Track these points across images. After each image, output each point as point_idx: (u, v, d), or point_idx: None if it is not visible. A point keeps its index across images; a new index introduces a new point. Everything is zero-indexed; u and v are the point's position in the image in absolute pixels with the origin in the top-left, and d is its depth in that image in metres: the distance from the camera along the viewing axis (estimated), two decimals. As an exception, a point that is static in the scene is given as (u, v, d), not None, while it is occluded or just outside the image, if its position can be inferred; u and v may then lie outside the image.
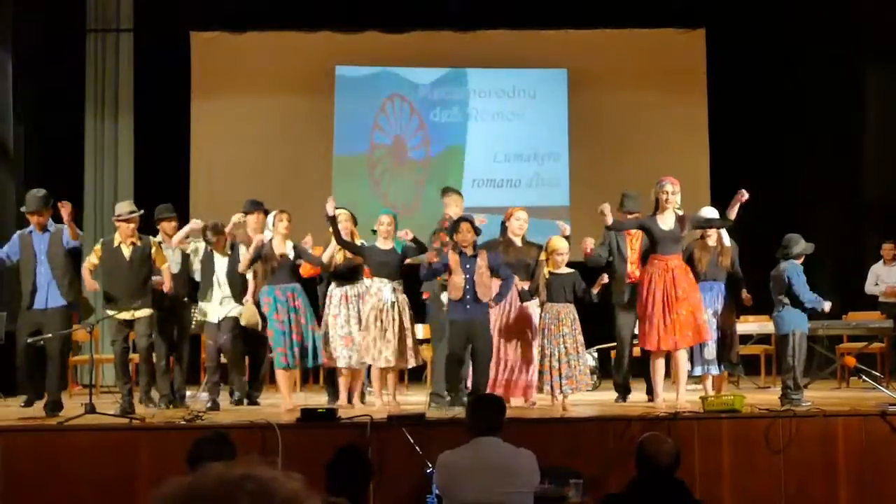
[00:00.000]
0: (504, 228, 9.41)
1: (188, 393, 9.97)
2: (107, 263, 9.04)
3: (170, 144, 13.41)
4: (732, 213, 8.97)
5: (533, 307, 9.03)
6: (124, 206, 9.30)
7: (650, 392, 9.23)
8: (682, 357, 8.79)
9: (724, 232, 9.42)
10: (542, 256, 8.88)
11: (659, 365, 8.83)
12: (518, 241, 9.24)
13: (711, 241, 9.29)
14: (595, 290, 8.89)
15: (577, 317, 8.78)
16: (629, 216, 9.59)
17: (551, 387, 8.57)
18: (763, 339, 11.58)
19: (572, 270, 8.88)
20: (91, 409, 7.96)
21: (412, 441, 7.15)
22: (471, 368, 8.81)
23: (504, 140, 14.06)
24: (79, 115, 13.36)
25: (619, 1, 13.69)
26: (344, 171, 13.80)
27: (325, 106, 13.82)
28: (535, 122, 14.08)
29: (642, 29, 13.88)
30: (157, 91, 13.34)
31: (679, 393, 8.76)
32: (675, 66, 13.89)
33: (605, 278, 9.08)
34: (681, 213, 8.95)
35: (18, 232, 9.26)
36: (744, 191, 8.81)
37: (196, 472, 1.56)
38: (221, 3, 13.56)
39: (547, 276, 8.73)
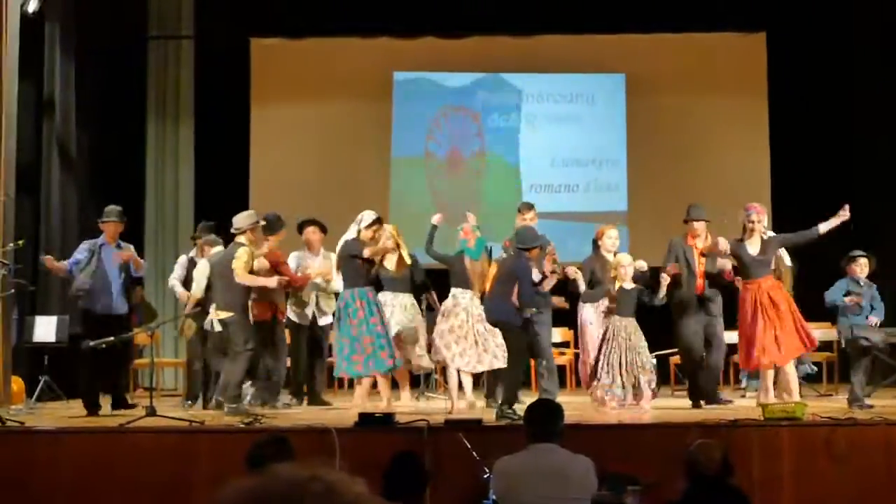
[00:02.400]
0: (596, 245, 9.81)
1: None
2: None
3: (230, 149, 13.56)
4: (825, 229, 9.16)
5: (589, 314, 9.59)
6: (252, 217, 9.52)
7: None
8: (790, 369, 9.09)
9: (784, 253, 9.67)
10: (613, 273, 9.29)
11: (769, 375, 9.10)
12: (610, 258, 9.62)
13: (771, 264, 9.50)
14: (661, 295, 9.30)
15: (638, 328, 9.19)
16: (695, 224, 9.82)
17: (611, 393, 9.04)
18: (824, 346, 11.42)
19: (635, 284, 9.25)
20: (152, 411, 8.06)
21: (469, 446, 7.14)
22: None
23: (561, 145, 14.03)
24: (140, 121, 13.54)
25: (677, 5, 13.58)
26: (401, 175, 13.85)
27: (382, 111, 13.88)
28: (592, 127, 14.03)
29: (701, 33, 13.78)
30: (218, 97, 13.50)
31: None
32: (735, 71, 13.77)
33: (667, 278, 9.35)
34: (766, 236, 9.18)
35: (89, 242, 9.69)
36: (847, 208, 9.06)
37: (261, 473, 1.58)
38: (281, 9, 13.66)
39: (616, 290, 9.16)
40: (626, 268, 9.19)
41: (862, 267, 9.41)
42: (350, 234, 9.63)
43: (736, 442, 7.07)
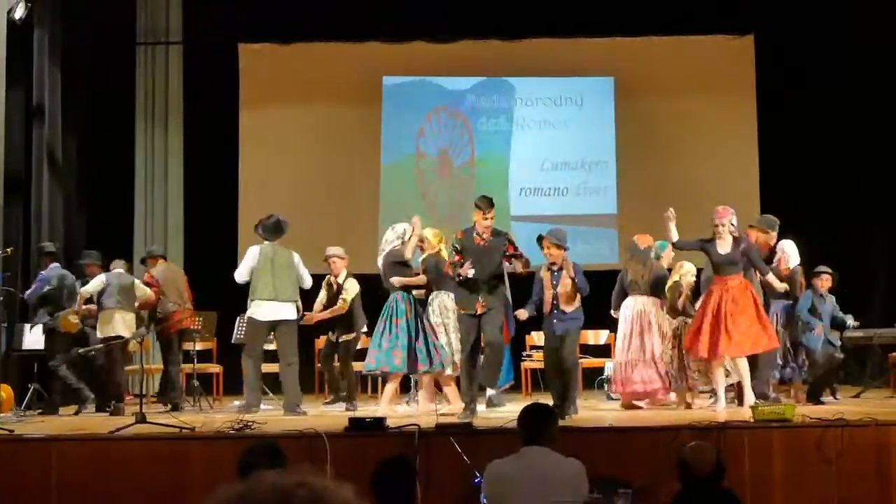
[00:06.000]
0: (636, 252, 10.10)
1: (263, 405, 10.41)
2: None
3: (219, 155, 13.55)
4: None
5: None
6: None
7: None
8: (741, 364, 9.11)
9: (794, 254, 10.05)
10: (677, 277, 9.73)
11: (720, 374, 9.20)
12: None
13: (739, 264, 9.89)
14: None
15: None
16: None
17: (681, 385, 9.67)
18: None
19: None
20: (141, 418, 8.04)
21: (460, 450, 7.13)
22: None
23: (551, 148, 14.05)
24: (129, 127, 13.52)
25: (666, 8, 13.62)
26: (391, 179, 13.85)
27: (372, 116, 13.88)
28: (581, 131, 14.05)
29: (690, 36, 13.82)
30: (207, 102, 13.49)
31: (745, 399, 8.99)
32: (724, 73, 13.82)
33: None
34: (736, 234, 9.27)
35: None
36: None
37: (248, 479, 1.57)
38: (269, 15, 13.65)
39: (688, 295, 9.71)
40: (689, 276, 9.75)
41: (824, 282, 9.95)
42: (395, 245, 9.63)
43: (726, 444, 7.07)
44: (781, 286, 9.52)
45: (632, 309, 9.89)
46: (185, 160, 13.60)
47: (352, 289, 10.50)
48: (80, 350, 9.74)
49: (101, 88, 13.10)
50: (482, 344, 8.84)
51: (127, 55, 13.57)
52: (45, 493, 7.27)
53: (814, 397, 9.64)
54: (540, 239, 8.90)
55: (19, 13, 10.93)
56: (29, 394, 10.09)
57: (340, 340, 10.59)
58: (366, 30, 13.71)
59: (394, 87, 14.00)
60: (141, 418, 8.05)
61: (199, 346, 11.08)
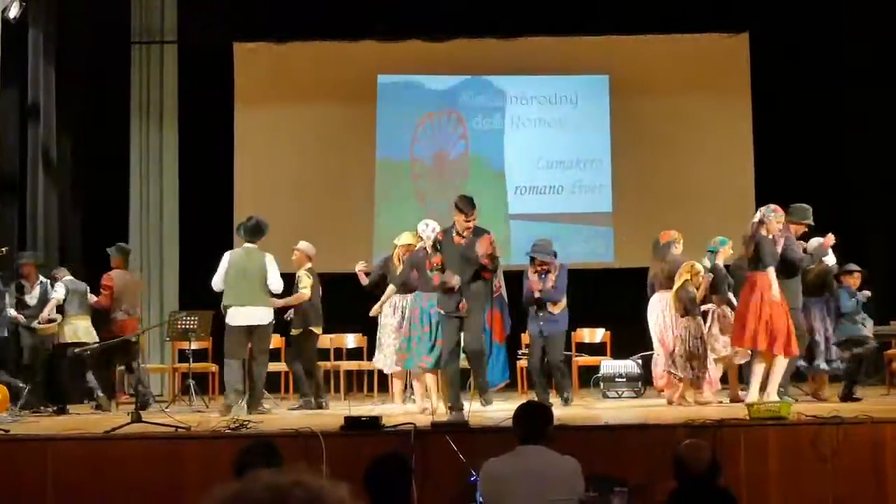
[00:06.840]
0: (662, 248, 10.13)
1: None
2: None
3: (214, 153, 13.54)
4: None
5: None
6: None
7: None
8: (778, 361, 9.15)
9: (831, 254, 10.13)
10: (687, 276, 9.49)
11: (760, 368, 9.22)
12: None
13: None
14: None
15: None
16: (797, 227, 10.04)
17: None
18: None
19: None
20: (137, 418, 8.03)
21: (456, 449, 7.13)
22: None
23: (546, 147, 14.04)
24: (124, 127, 13.51)
25: (660, 6, 13.62)
26: (386, 177, 13.84)
27: (366, 114, 13.88)
28: (577, 129, 14.05)
29: (685, 34, 13.82)
30: (202, 102, 13.48)
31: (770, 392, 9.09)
32: (719, 71, 13.82)
33: None
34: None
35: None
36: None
37: (244, 479, 1.57)
38: (264, 14, 13.65)
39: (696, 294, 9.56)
40: (700, 276, 9.60)
41: (856, 279, 10.04)
42: (422, 244, 9.62)
43: (722, 442, 7.08)
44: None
45: (657, 305, 9.92)
46: (180, 159, 13.59)
47: (306, 281, 10.40)
48: (77, 350, 9.84)
49: (96, 87, 13.09)
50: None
51: (122, 54, 13.57)
52: (41, 492, 7.26)
53: (849, 392, 9.62)
54: (532, 260, 9.01)
55: (14, 12, 10.92)
56: (24, 393, 10.08)
57: (292, 333, 10.53)
58: (360, 28, 13.70)
59: (388, 85, 14.00)
60: (136, 418, 8.04)
61: (194, 346, 11.06)
